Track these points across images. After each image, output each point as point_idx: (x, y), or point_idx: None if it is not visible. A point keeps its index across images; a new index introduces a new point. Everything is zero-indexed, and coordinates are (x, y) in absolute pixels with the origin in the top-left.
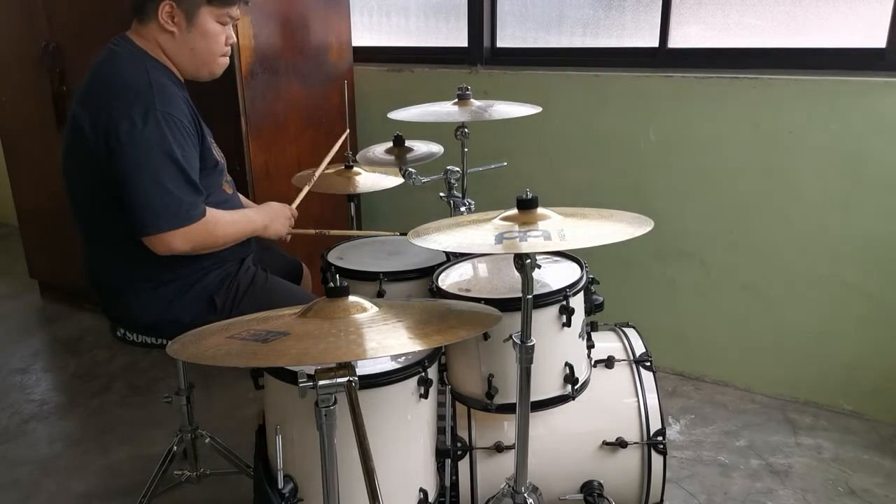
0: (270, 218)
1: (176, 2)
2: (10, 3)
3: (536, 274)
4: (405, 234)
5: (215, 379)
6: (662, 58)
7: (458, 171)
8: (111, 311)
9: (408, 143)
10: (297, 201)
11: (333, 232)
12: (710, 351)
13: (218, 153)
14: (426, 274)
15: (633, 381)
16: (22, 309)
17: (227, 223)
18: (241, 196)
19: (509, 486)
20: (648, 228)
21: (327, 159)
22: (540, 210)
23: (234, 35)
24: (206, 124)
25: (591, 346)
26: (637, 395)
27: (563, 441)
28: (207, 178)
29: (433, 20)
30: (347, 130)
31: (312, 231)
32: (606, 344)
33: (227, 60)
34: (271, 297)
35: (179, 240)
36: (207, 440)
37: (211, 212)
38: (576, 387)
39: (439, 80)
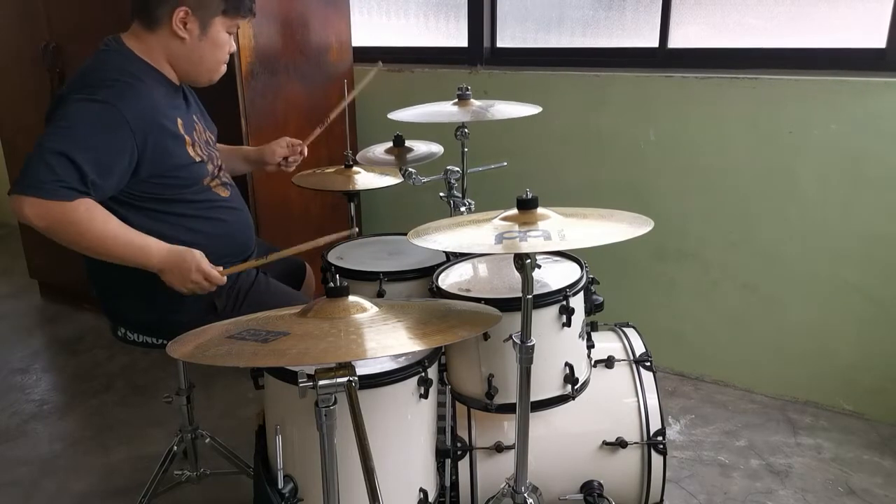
0: (174, 264)
1: (192, 9)
2: (10, 3)
3: (536, 274)
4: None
5: (215, 379)
6: (662, 58)
7: (458, 171)
8: (111, 313)
9: (408, 143)
10: (309, 140)
11: (273, 257)
12: (710, 351)
13: (201, 153)
14: (426, 274)
15: (633, 381)
16: (22, 309)
17: (105, 229)
18: (243, 148)
19: (509, 486)
20: (648, 228)
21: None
22: (540, 210)
23: (234, 44)
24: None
25: (591, 346)
26: (637, 395)
27: (563, 441)
28: (183, 172)
29: (433, 20)
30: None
31: (244, 266)
32: (606, 344)
33: (225, 67)
34: (272, 301)
35: (33, 209)
36: (207, 440)
37: (92, 206)
38: (576, 387)
39: (439, 80)
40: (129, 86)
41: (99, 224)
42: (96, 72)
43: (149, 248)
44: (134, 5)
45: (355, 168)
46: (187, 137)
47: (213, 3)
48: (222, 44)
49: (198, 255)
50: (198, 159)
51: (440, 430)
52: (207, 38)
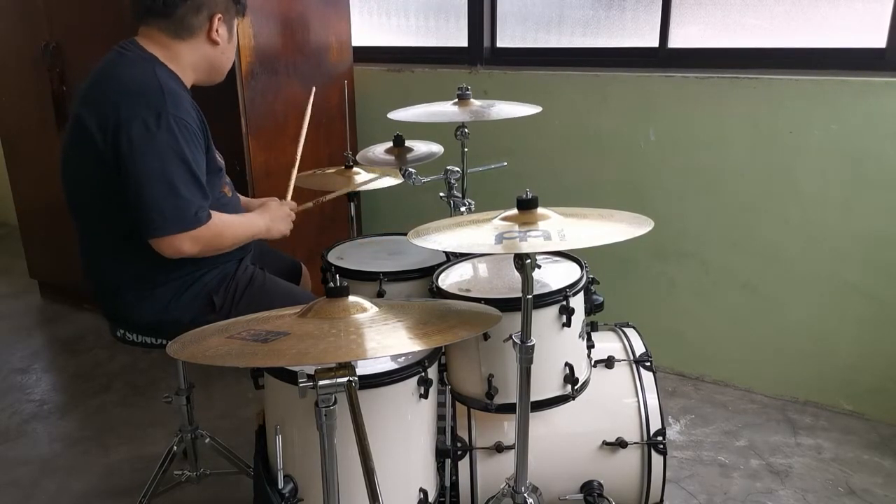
0: (271, 218)
1: (223, 14)
2: (10, 3)
3: (536, 274)
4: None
5: (215, 379)
6: (662, 58)
7: (458, 171)
8: (110, 312)
9: (408, 143)
10: (290, 192)
11: (330, 196)
12: (710, 351)
13: (218, 156)
14: (426, 274)
15: (633, 381)
16: (22, 309)
17: (235, 226)
18: (239, 195)
19: (509, 486)
20: (648, 228)
21: (304, 125)
22: (540, 210)
23: None
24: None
25: (591, 346)
26: (637, 395)
27: (563, 441)
28: (210, 181)
29: (433, 20)
30: (314, 88)
31: (310, 204)
32: (606, 344)
33: None
34: (270, 296)
35: (188, 242)
36: (207, 440)
37: (217, 215)
38: (576, 387)
39: (439, 80)
40: (178, 94)
41: (230, 225)
42: (135, 83)
43: (253, 219)
44: (151, 14)
45: (355, 168)
46: (212, 143)
47: (232, 7)
48: (235, 44)
49: (276, 200)
50: (221, 163)
51: (440, 430)
52: (232, 40)
